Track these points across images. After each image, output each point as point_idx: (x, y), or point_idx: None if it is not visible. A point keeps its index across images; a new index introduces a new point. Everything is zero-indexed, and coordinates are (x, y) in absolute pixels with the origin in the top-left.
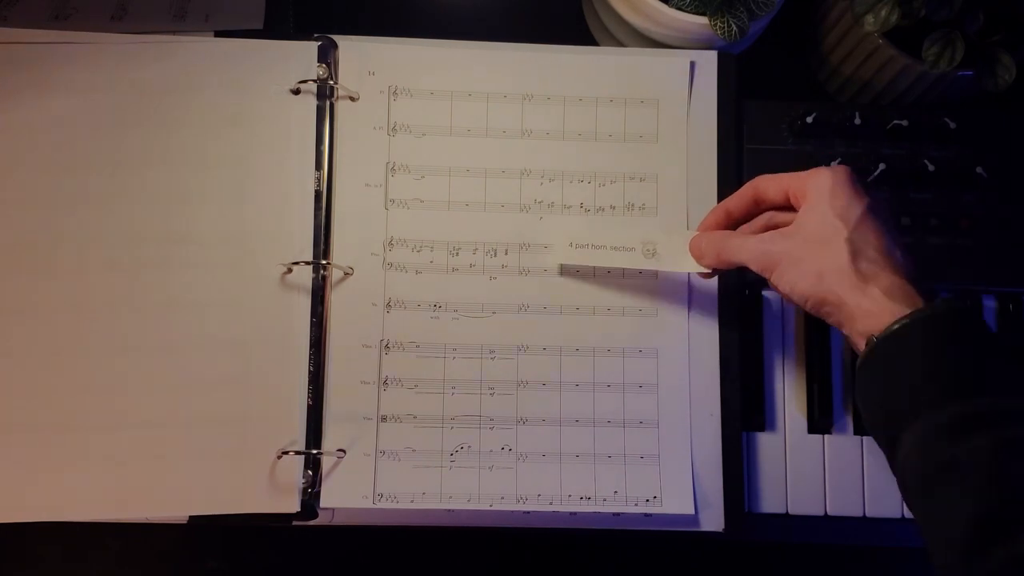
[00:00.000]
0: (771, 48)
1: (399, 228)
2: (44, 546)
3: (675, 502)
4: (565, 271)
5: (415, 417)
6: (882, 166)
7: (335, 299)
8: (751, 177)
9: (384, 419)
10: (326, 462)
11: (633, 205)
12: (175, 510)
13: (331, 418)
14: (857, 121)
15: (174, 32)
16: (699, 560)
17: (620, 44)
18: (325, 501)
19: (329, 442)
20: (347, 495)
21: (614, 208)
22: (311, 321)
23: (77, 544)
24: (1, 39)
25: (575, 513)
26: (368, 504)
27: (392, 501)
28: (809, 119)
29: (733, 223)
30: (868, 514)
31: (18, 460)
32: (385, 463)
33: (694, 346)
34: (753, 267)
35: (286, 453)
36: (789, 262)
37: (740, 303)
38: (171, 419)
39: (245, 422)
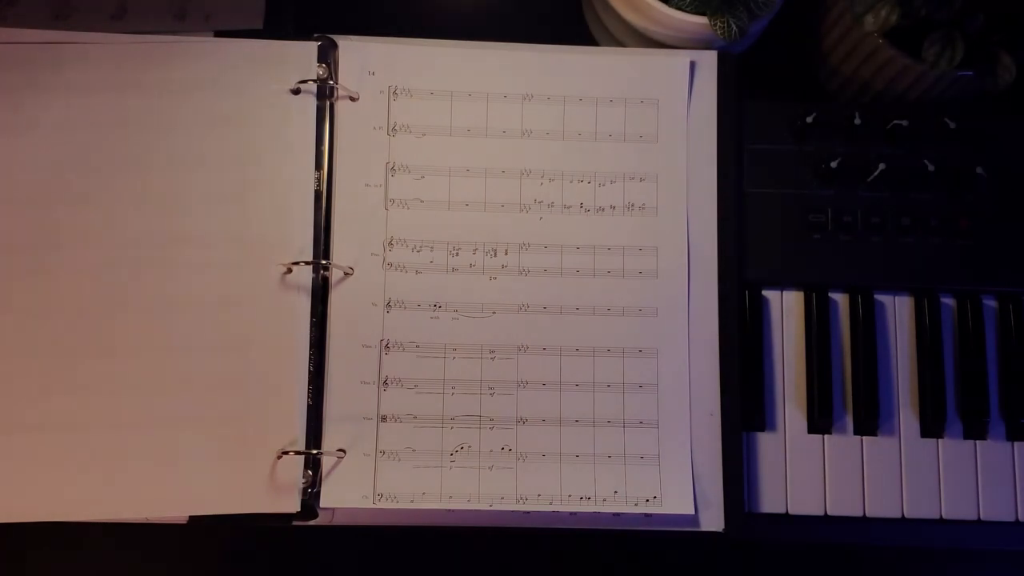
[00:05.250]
0: (771, 48)
1: (399, 228)
2: (44, 546)
3: (675, 502)
4: (565, 272)
5: (415, 417)
6: (882, 166)
7: (335, 299)
8: (751, 177)
9: (384, 419)
10: (326, 462)
11: (633, 205)
12: (175, 510)
13: (331, 418)
14: (857, 121)
15: (174, 32)
16: (699, 560)
17: (620, 44)
18: (325, 501)
19: (329, 442)
20: (347, 495)
21: (614, 208)
22: (311, 321)
23: (77, 544)
24: (1, 39)
25: (575, 513)
26: (368, 504)
27: (392, 501)
28: (809, 119)
29: None
30: (868, 514)
31: (18, 460)
32: (385, 463)
33: (694, 346)
34: None
35: (286, 453)
36: None
37: (740, 303)
38: (171, 419)
39: (245, 422)
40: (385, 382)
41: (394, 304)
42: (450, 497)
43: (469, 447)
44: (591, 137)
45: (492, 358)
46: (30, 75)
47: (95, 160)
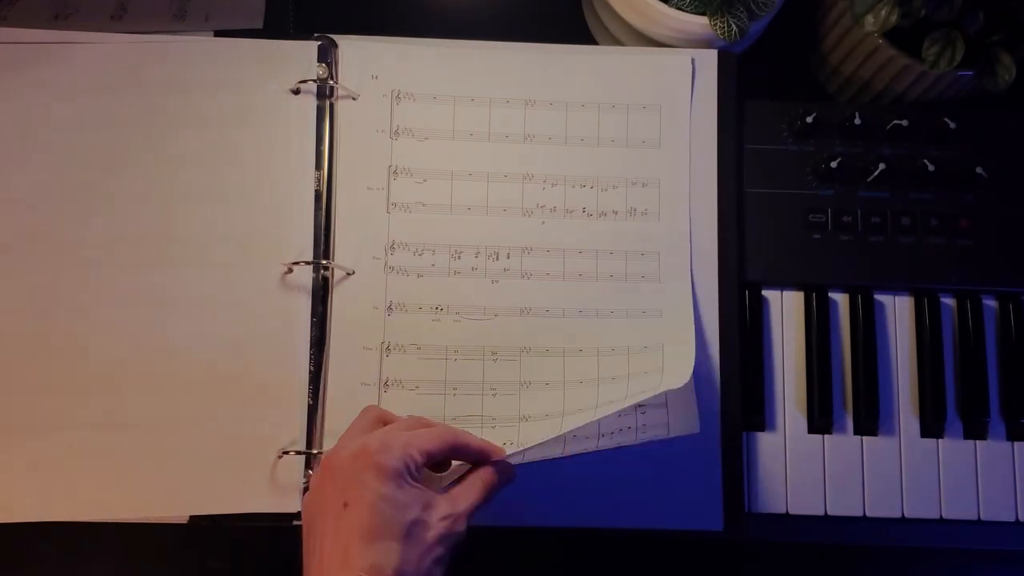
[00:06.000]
0: (771, 48)
1: (401, 231)
2: (44, 546)
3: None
4: (567, 276)
5: None
6: (882, 166)
7: (336, 301)
8: (751, 177)
9: None
10: None
11: (635, 210)
12: (175, 510)
13: (332, 418)
14: (857, 121)
15: (174, 32)
16: (699, 560)
17: (620, 44)
18: None
19: (330, 442)
20: None
21: (616, 213)
22: (311, 321)
23: (77, 544)
24: (1, 39)
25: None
26: None
27: None
28: (809, 119)
29: None
30: (868, 514)
31: (18, 460)
32: None
33: (697, 346)
34: None
35: (286, 453)
36: None
37: (740, 303)
38: (171, 419)
39: (245, 422)
40: (386, 384)
41: (395, 307)
42: None
43: None
44: (593, 142)
45: (494, 360)
46: (30, 75)
47: (95, 160)
